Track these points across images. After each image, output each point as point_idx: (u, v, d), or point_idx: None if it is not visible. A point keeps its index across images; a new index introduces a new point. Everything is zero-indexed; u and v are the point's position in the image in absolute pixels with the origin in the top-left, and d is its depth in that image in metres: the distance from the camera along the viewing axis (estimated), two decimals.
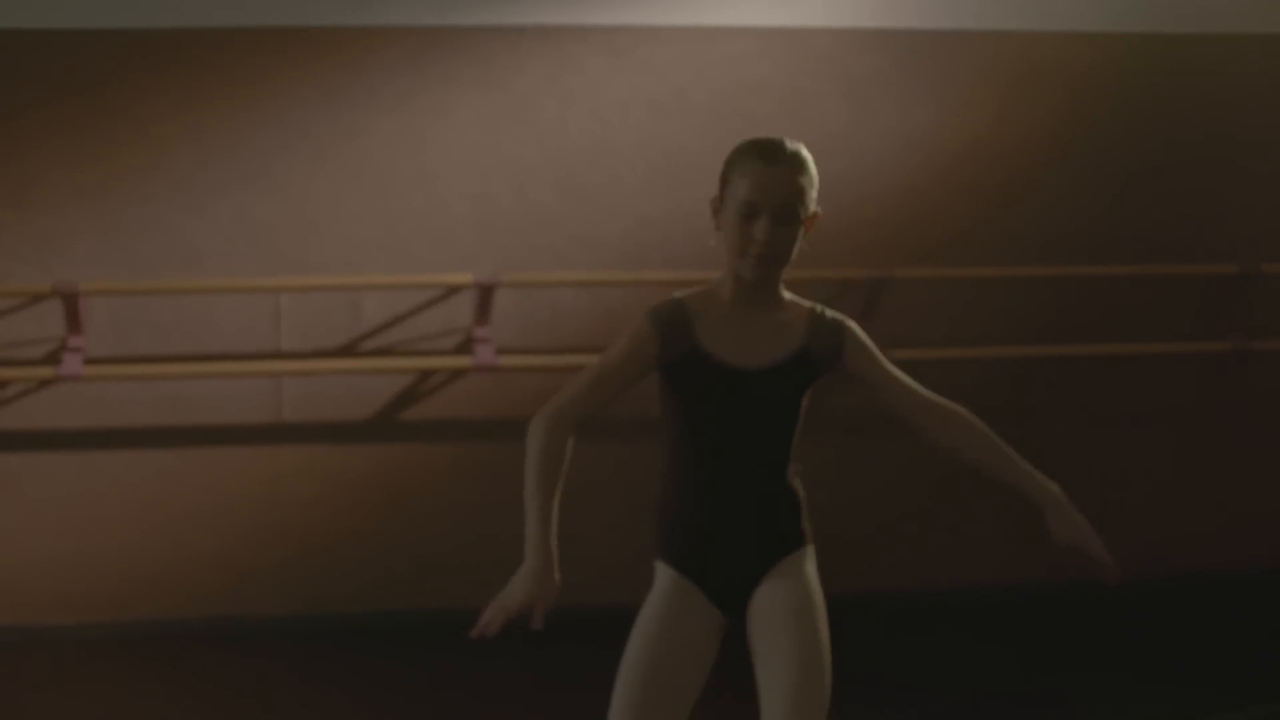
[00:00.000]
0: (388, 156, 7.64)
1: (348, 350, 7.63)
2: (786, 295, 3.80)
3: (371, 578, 7.65)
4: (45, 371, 7.31)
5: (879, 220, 7.94)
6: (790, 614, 3.69)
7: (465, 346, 7.66)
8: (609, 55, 7.77)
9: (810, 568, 3.79)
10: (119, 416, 7.50)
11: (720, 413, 3.73)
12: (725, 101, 7.83)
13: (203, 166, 7.55)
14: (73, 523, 7.48)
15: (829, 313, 3.81)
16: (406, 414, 7.66)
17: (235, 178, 7.57)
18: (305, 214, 7.60)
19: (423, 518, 7.68)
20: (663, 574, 3.79)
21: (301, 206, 7.60)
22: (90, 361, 7.41)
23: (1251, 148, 8.32)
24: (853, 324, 3.81)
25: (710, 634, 3.74)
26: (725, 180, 3.74)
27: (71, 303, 7.28)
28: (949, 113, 8.01)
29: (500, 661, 7.02)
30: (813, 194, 3.72)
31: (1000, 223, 8.07)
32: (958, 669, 6.81)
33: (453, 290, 7.64)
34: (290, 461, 7.60)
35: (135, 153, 7.51)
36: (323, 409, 7.61)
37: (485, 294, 7.44)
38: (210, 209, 7.55)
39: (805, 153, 3.71)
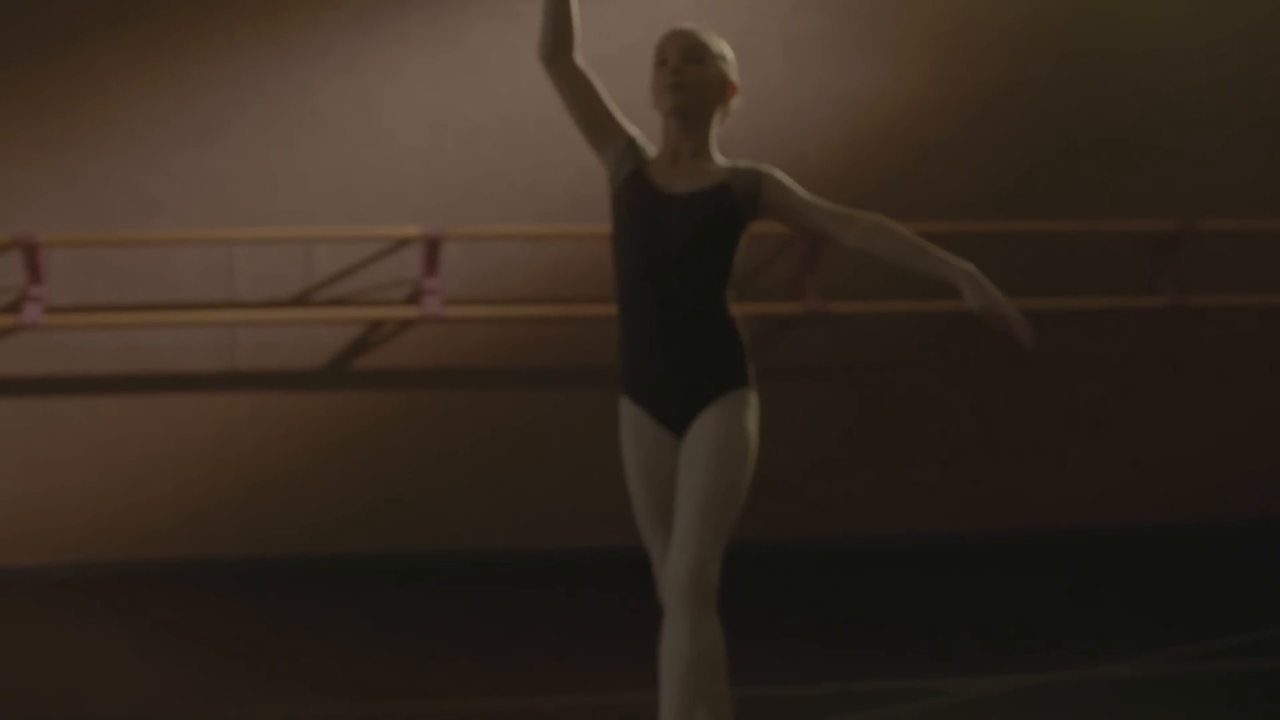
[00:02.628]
0: (340, 113, 7.84)
1: (300, 300, 7.84)
2: (718, 155, 4.22)
3: (321, 520, 7.87)
4: (6, 320, 7.52)
5: (818, 174, 8.09)
6: (712, 445, 4.09)
7: (414, 297, 7.86)
8: None
9: (745, 409, 4.15)
10: (78, 364, 7.72)
11: (648, 231, 4.15)
12: None
13: (160, 122, 7.75)
14: (33, 466, 7.71)
15: (749, 164, 4.23)
16: (356, 363, 7.88)
17: (192, 133, 7.76)
18: (259, 168, 7.80)
19: (371, 463, 7.90)
20: (624, 407, 4.24)
21: (256, 161, 7.80)
22: (50, 310, 7.63)
23: (1189, 106, 8.45)
24: (770, 168, 4.21)
25: (669, 447, 4.17)
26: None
27: (31, 254, 7.48)
28: (886, 69, 8.18)
29: (448, 603, 7.24)
30: (725, 59, 4.21)
31: (938, 178, 8.25)
32: (885, 611, 7.02)
33: (402, 243, 7.84)
34: (244, 408, 7.81)
35: (95, 109, 7.71)
36: (275, 357, 7.82)
37: (432, 246, 7.65)
38: (167, 163, 7.75)
39: (717, 37, 4.23)
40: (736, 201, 4.13)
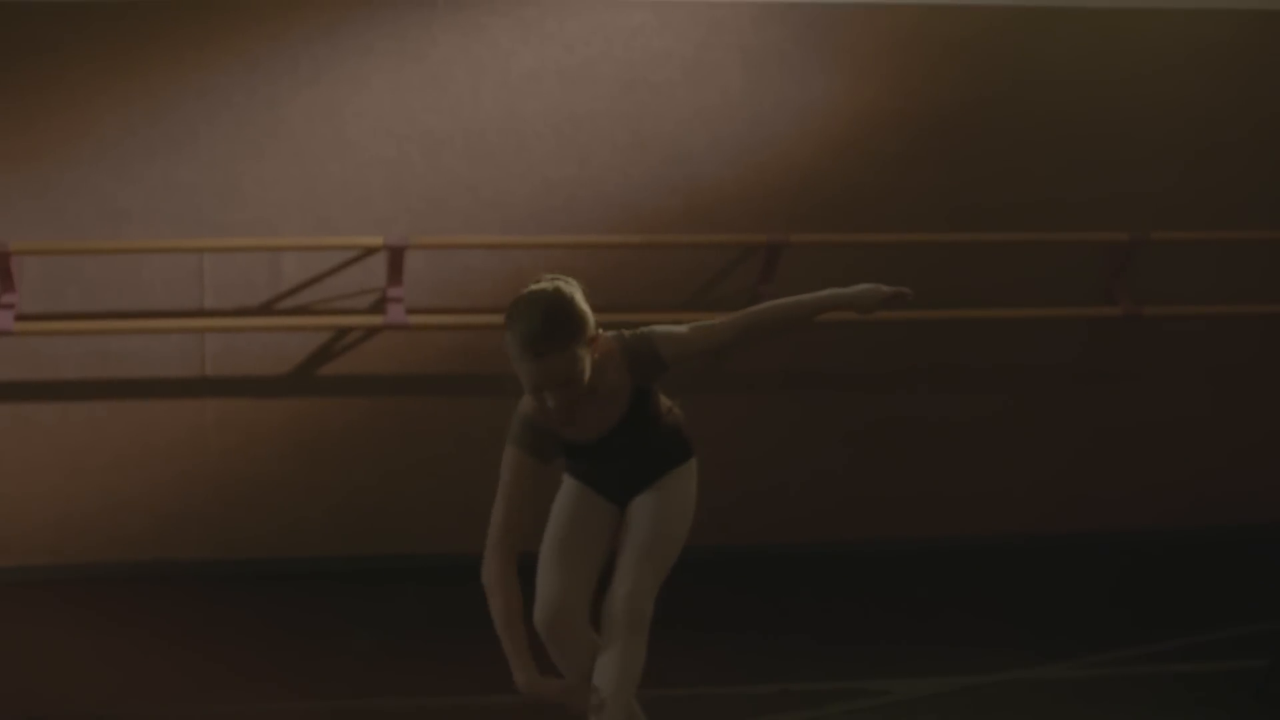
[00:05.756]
0: (306, 124, 7.97)
1: (267, 308, 7.96)
2: (598, 354, 4.20)
3: (287, 524, 7.99)
4: None
5: (776, 186, 8.24)
6: (657, 505, 4.38)
7: (379, 306, 8.00)
8: (518, 27, 8.09)
9: (687, 478, 4.45)
10: (49, 370, 7.85)
11: (596, 459, 4.37)
12: (630, 71, 8.15)
13: (130, 133, 7.87)
14: (3, 470, 7.83)
15: (631, 336, 4.27)
16: (322, 369, 8.00)
17: (161, 144, 7.89)
18: (227, 178, 7.93)
19: (336, 468, 8.02)
20: (569, 480, 4.49)
21: (223, 171, 7.93)
22: (21, 318, 7.74)
23: (1142, 119, 8.56)
24: (655, 331, 4.27)
25: (609, 513, 4.44)
26: (507, 340, 4.10)
27: (3, 262, 7.60)
28: (844, 82, 8.29)
29: (412, 604, 7.37)
30: (584, 342, 4.07)
31: (896, 189, 8.35)
32: (834, 614, 7.14)
33: (368, 251, 7.97)
34: (212, 413, 7.94)
35: (65, 120, 7.82)
36: (243, 364, 7.95)
37: (396, 255, 7.79)
38: (137, 173, 7.88)
39: (564, 316, 4.04)
40: (650, 383, 4.31)
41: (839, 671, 6.02)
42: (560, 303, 4.08)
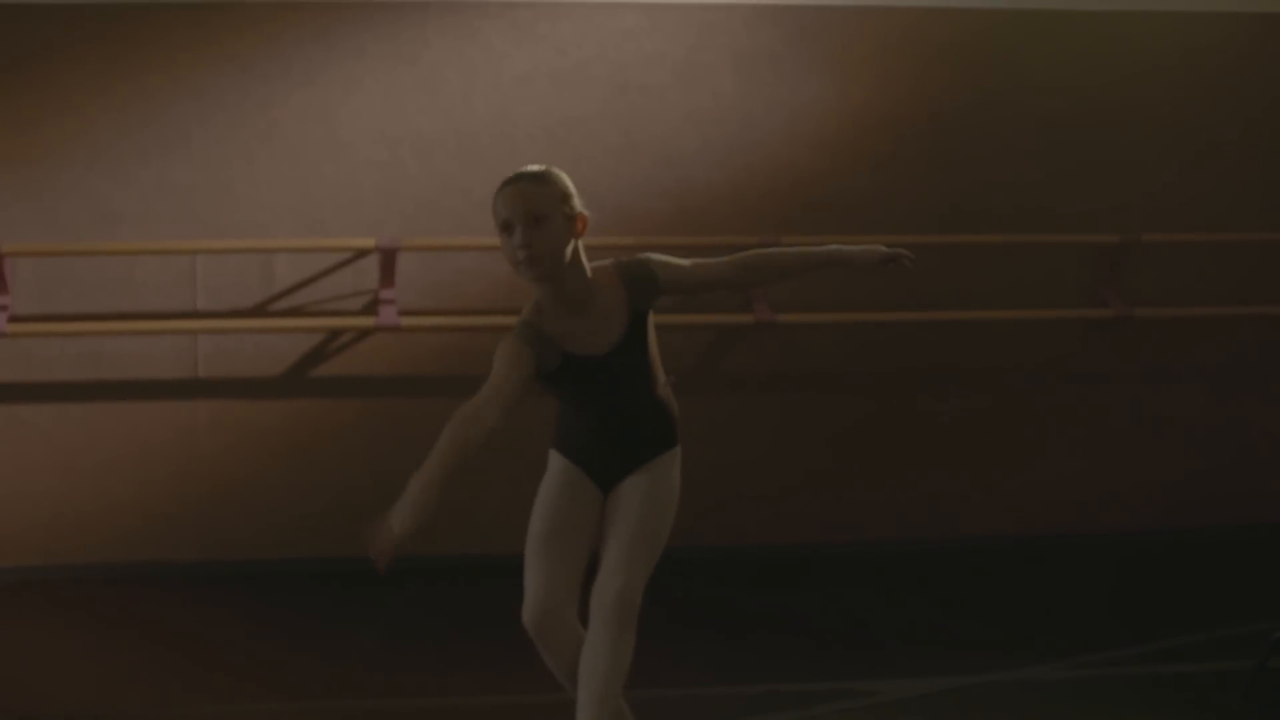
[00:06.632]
0: (299, 126, 8.00)
1: (259, 310, 7.99)
2: (594, 275, 4.29)
3: (280, 525, 8.02)
4: None
5: (767, 188, 8.26)
6: (643, 494, 4.40)
7: (372, 307, 8.02)
8: (510, 30, 8.12)
9: (672, 467, 4.48)
10: (43, 372, 7.88)
11: (592, 390, 4.35)
12: (622, 73, 8.18)
13: (124, 135, 7.90)
14: None
15: (629, 261, 4.34)
16: (314, 371, 8.03)
17: (155, 146, 7.92)
18: (221, 180, 7.95)
19: (329, 468, 8.04)
20: (556, 459, 4.48)
21: (217, 173, 7.95)
22: (15, 320, 7.78)
23: (1133, 121, 8.59)
24: (652, 256, 4.36)
25: (594, 503, 4.45)
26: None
27: None
28: (836, 85, 8.32)
29: (403, 605, 7.38)
30: (565, 198, 4.18)
31: (888, 191, 8.38)
32: (826, 616, 7.15)
33: (360, 254, 8.00)
34: (205, 415, 7.97)
35: (60, 122, 7.85)
36: (236, 365, 7.98)
37: (388, 257, 7.81)
38: (131, 175, 7.91)
39: (550, 171, 4.20)
40: (647, 308, 4.34)
41: (828, 672, 6.03)
42: (550, 172, 4.23)
